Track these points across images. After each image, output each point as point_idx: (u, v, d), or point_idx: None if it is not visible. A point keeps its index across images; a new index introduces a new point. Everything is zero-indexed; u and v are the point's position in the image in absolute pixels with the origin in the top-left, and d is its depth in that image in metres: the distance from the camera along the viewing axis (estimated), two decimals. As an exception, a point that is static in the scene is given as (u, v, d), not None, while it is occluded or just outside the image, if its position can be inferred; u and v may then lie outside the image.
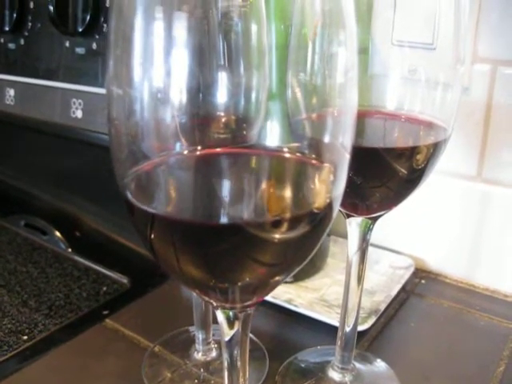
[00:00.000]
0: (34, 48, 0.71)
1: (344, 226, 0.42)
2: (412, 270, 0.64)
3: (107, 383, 0.47)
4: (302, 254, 0.28)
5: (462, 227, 0.63)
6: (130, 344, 0.52)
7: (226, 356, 0.31)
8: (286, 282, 0.60)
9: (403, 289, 0.61)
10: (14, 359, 0.50)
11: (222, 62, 0.27)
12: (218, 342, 0.50)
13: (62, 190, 0.79)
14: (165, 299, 0.60)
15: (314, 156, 0.28)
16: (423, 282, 0.64)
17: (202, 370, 0.49)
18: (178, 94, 0.25)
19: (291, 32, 0.27)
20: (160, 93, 0.25)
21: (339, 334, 0.46)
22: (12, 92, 0.74)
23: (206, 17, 0.26)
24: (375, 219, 0.41)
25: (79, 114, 0.66)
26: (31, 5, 0.69)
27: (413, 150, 0.37)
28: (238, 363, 0.31)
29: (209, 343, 0.50)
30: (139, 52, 0.25)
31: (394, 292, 0.59)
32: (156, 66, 0.25)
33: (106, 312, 0.57)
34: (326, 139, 0.27)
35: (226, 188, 0.27)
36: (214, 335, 0.50)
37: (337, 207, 0.27)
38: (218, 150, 0.29)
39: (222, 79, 0.27)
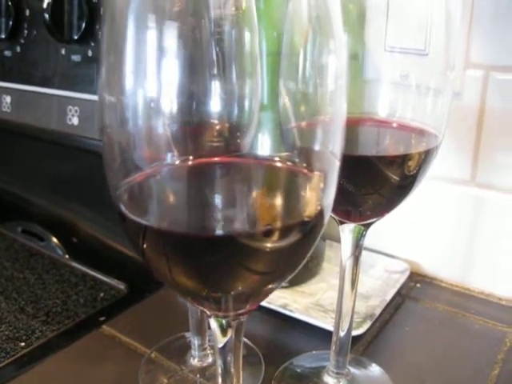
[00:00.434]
0: (29, 55, 0.71)
1: (339, 231, 0.42)
2: (407, 274, 0.65)
3: (104, 389, 0.47)
4: (294, 261, 0.28)
5: (457, 231, 0.63)
6: (127, 350, 0.52)
7: (219, 362, 0.32)
8: (282, 287, 0.60)
9: (398, 293, 0.62)
10: (12, 366, 0.50)
11: (215, 71, 0.27)
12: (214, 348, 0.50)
13: (58, 197, 0.79)
14: (161, 305, 0.60)
15: (304, 164, 0.28)
16: (418, 285, 0.65)
17: (198, 375, 0.49)
18: (171, 103, 0.26)
19: (283, 40, 0.28)
20: (152, 102, 0.25)
21: (334, 338, 0.46)
22: (8, 99, 0.75)
23: (198, 25, 0.26)
24: (368, 226, 0.41)
25: (75, 120, 0.66)
26: (27, 12, 0.70)
27: (404, 158, 0.37)
28: (232, 369, 0.31)
29: (205, 349, 0.50)
30: (131, 60, 0.25)
31: (389, 296, 0.60)
32: (148, 75, 0.25)
33: (102, 318, 0.57)
34: (317, 147, 0.27)
35: (217, 198, 0.28)
36: (209, 341, 0.51)
37: (328, 215, 0.27)
38: (210, 159, 0.29)
39: (215, 88, 0.27)
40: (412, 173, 0.37)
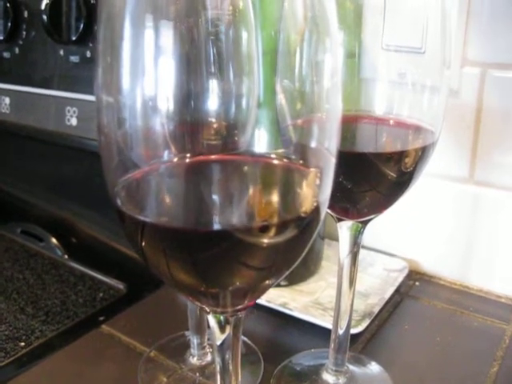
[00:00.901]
0: (28, 57, 0.71)
1: (337, 229, 0.43)
2: (406, 272, 0.65)
3: (103, 388, 0.47)
4: (291, 257, 0.28)
5: (455, 229, 0.64)
6: (126, 349, 0.52)
7: (218, 360, 0.32)
8: (281, 286, 0.60)
9: (397, 291, 0.62)
10: (11, 365, 0.50)
11: (212, 70, 0.27)
12: (213, 347, 0.50)
13: (57, 197, 0.79)
14: (161, 304, 0.60)
15: (301, 161, 0.28)
16: (417, 284, 0.65)
17: (197, 374, 0.49)
18: (169, 103, 0.26)
19: (279, 38, 0.28)
20: (151, 101, 0.26)
21: (332, 336, 0.46)
22: (7, 100, 0.75)
23: (195, 25, 0.26)
24: (366, 223, 0.41)
25: (74, 121, 0.66)
26: (25, 14, 0.70)
27: (401, 154, 0.37)
28: (230, 367, 0.32)
29: (204, 348, 0.51)
30: (128, 59, 0.25)
31: (388, 294, 0.60)
32: (146, 74, 0.25)
33: (102, 318, 0.57)
34: (313, 144, 0.27)
35: (214, 194, 0.28)
36: (209, 339, 0.51)
37: (324, 211, 0.28)
38: (207, 157, 0.29)
39: (213, 86, 0.27)
40: (409, 169, 0.37)
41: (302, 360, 0.51)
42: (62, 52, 0.67)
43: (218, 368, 0.32)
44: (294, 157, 0.28)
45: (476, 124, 0.59)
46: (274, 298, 0.58)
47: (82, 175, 0.74)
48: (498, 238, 0.61)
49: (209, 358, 0.50)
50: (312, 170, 0.28)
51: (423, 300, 0.61)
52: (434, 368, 0.50)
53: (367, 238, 0.68)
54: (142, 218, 0.26)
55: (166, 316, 0.58)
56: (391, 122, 0.40)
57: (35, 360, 0.51)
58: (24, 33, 0.71)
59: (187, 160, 0.28)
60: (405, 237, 0.67)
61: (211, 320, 0.30)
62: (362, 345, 0.53)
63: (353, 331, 0.50)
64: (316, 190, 0.27)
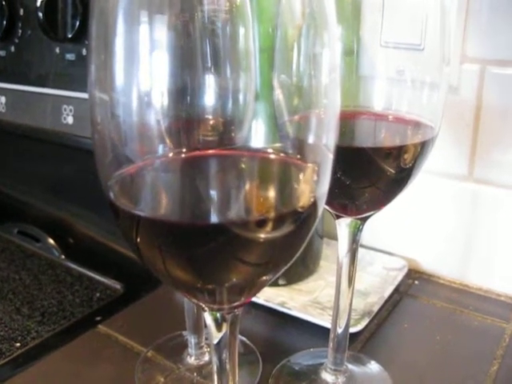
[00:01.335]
0: (24, 55, 0.71)
1: (336, 228, 0.42)
2: (405, 271, 0.64)
3: (100, 389, 0.47)
4: (288, 253, 0.28)
5: (455, 227, 0.63)
6: (123, 349, 0.52)
7: (215, 359, 0.31)
8: (279, 285, 0.60)
9: (396, 290, 0.61)
10: (7, 366, 0.50)
11: (209, 65, 0.27)
12: (211, 346, 0.50)
13: (54, 197, 0.79)
14: (158, 304, 0.60)
15: (298, 156, 0.28)
16: (416, 282, 0.64)
17: (195, 374, 0.49)
18: (165, 97, 0.25)
19: (277, 34, 0.27)
20: (146, 97, 0.25)
21: (331, 335, 0.46)
22: (3, 99, 0.74)
23: (192, 20, 0.26)
24: (364, 220, 0.41)
25: (70, 120, 0.66)
26: (21, 12, 0.69)
27: (400, 149, 0.37)
28: (227, 366, 0.31)
29: (201, 347, 0.50)
30: (122, 56, 0.25)
31: (387, 293, 0.59)
32: (141, 70, 0.25)
33: (99, 318, 0.57)
34: (310, 140, 0.27)
35: (210, 189, 0.27)
36: (206, 339, 0.50)
37: (321, 206, 0.27)
38: (203, 152, 0.29)
39: (209, 82, 0.27)
40: (409, 165, 0.37)
41: (301, 359, 0.50)
42: (57, 50, 0.66)
43: (215, 367, 0.32)
44: (291, 152, 0.28)
45: (475, 122, 0.58)
46: (273, 297, 0.58)
47: (78, 174, 0.73)
48: (498, 236, 0.61)
49: (206, 357, 0.50)
50: (310, 165, 0.28)
51: (423, 299, 0.61)
52: (433, 367, 0.50)
53: (366, 236, 0.68)
54: (136, 211, 0.26)
55: (163, 316, 0.57)
56: (390, 117, 0.39)
57: (31, 361, 0.50)
58: (20, 31, 0.70)
59: (183, 155, 0.28)
60: (404, 235, 0.67)
61: (208, 318, 0.30)
62: (361, 344, 0.53)
63: (352, 330, 0.50)
64: (313, 185, 0.27)
